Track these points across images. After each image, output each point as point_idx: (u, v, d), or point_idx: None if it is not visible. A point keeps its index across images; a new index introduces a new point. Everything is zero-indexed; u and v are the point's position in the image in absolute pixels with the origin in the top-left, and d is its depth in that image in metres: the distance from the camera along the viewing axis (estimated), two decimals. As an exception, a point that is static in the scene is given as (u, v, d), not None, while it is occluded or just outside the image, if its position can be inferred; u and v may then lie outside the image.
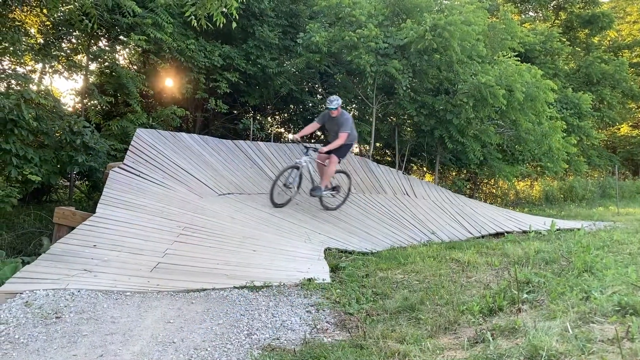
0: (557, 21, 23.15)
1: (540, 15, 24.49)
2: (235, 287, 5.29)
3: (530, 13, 25.54)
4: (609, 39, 24.54)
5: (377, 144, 17.53)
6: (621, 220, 12.31)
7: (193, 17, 8.57)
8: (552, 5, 23.99)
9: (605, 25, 21.97)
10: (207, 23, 8.76)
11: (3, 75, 9.85)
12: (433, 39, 11.44)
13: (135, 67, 14.00)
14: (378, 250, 8.07)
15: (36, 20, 11.21)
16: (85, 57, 12.04)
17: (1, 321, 4.08)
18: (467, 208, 11.72)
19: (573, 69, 21.78)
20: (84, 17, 10.16)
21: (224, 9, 8.43)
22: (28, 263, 5.73)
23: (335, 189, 10.02)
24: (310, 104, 16.73)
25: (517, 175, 16.28)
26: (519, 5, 24.07)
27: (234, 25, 9.45)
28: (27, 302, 4.44)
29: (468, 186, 18.18)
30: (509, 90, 12.26)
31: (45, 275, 5.02)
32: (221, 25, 8.51)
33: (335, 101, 9.27)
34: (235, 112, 16.19)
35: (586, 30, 22.87)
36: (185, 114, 13.01)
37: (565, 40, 20.43)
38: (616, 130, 25.95)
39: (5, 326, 4.01)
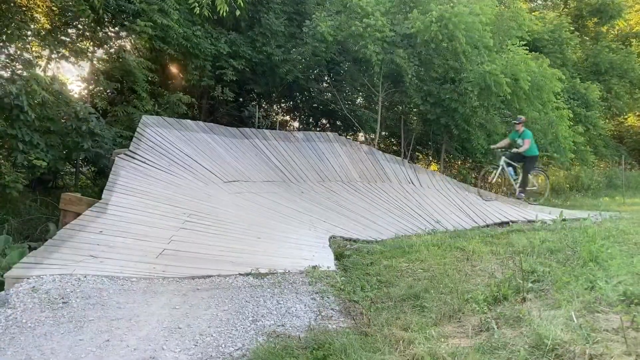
0: (565, 9, 22.90)
1: (549, 3, 24.23)
2: (240, 274, 5.31)
3: (539, 1, 25.28)
4: (617, 28, 24.25)
5: (383, 133, 17.47)
6: (627, 210, 12.24)
7: (196, 4, 8.53)
8: (561, -7, 23.75)
9: (615, 14, 21.69)
10: (209, 12, 8.71)
11: (7, 61, 9.84)
12: (439, 30, 11.37)
13: (141, 53, 13.96)
14: (383, 238, 8.07)
15: (42, 5, 11.18)
16: (92, 43, 12.01)
17: (9, 305, 4.12)
18: (472, 197, 11.70)
19: (581, 59, 21.57)
20: (88, 5, 10.14)
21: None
22: (35, 248, 5.77)
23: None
24: (317, 92, 16.67)
25: (522, 164, 16.19)
26: (527, -7, 23.84)
27: (238, 13, 9.40)
28: (34, 287, 4.47)
29: (473, 175, 18.12)
30: (514, 79, 12.18)
31: (52, 261, 5.05)
32: (224, 14, 8.46)
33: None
34: (241, 99, 16.15)
35: (595, 19, 22.59)
36: (191, 101, 12.99)
37: (573, 29, 20.23)
38: (623, 120, 25.72)
39: (13, 310, 4.04)
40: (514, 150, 11.34)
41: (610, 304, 3.65)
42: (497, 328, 3.54)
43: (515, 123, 11.46)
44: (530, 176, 11.62)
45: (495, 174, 11.56)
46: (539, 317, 3.54)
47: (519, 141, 11.42)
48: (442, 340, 3.57)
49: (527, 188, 11.65)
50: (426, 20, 11.45)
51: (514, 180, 11.62)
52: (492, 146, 12.17)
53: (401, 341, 3.57)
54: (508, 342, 3.26)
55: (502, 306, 4.08)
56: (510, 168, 11.51)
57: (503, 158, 11.40)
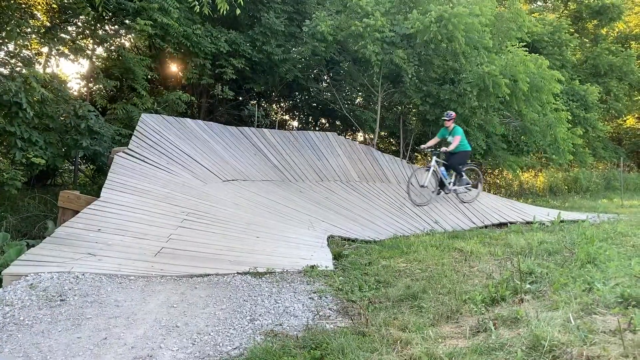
0: (565, 11, 22.92)
1: (549, 5, 24.25)
2: (238, 273, 5.31)
3: (539, 2, 25.30)
4: (617, 30, 24.28)
5: (382, 133, 17.48)
6: (625, 212, 12.27)
7: (196, 2, 8.52)
8: (561, -5, 23.78)
9: (615, 16, 21.72)
10: (209, 11, 8.70)
11: (7, 58, 9.83)
12: (438, 30, 11.37)
13: (141, 51, 13.96)
14: (381, 238, 8.08)
15: (42, 3, 11.17)
16: (92, 40, 12.00)
17: (6, 303, 4.12)
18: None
19: (580, 60, 21.61)
20: (87, 3, 10.14)
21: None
22: (33, 246, 5.77)
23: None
24: (316, 91, 16.67)
25: (521, 165, 16.22)
26: (527, -6, 23.87)
27: (238, 12, 9.40)
28: (31, 284, 4.47)
29: (472, 176, 18.13)
30: (513, 80, 12.19)
31: (50, 258, 5.05)
32: (224, 12, 8.46)
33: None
34: (240, 98, 16.15)
35: (595, 21, 22.63)
36: (190, 100, 12.99)
37: (573, 31, 20.25)
38: (622, 122, 25.77)
39: (11, 308, 4.04)
40: (444, 149, 10.58)
41: (608, 305, 3.66)
42: (495, 329, 3.54)
43: (444, 120, 10.68)
44: (463, 172, 10.85)
45: (427, 176, 10.50)
46: (536, 318, 3.54)
47: (449, 138, 10.74)
48: (440, 340, 3.57)
49: (462, 185, 10.86)
50: (426, 21, 11.44)
51: (447, 180, 10.72)
52: (421, 146, 11.17)
53: (399, 341, 3.57)
54: (505, 343, 3.26)
55: (499, 307, 4.08)
56: (443, 168, 10.72)
57: (434, 158, 10.58)
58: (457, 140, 10.43)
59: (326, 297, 4.75)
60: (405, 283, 5.06)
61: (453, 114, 10.69)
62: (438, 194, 10.90)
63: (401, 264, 6.03)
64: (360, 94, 17.68)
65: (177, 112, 12.66)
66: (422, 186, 10.46)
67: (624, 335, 3.07)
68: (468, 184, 10.89)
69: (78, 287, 4.53)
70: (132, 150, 8.84)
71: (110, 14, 11.95)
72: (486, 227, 10.01)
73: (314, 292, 4.87)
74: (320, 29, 12.17)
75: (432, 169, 10.45)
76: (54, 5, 11.18)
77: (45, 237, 5.98)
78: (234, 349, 3.61)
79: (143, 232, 6.16)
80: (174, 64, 14.46)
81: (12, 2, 9.75)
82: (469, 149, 11.08)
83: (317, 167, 11.34)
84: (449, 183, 10.70)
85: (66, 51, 11.51)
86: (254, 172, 10.26)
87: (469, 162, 11.13)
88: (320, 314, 4.34)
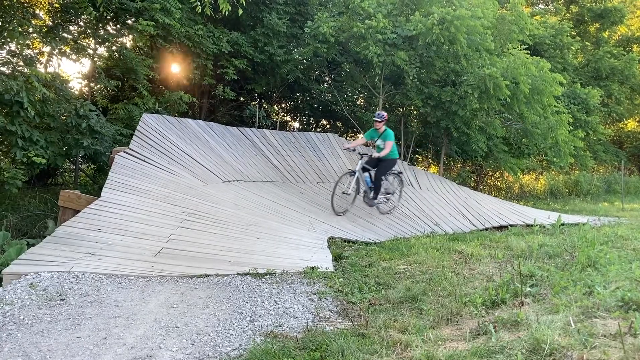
0: (567, 14, 22.93)
1: (551, 8, 24.26)
2: (238, 274, 5.31)
3: (541, 5, 25.30)
4: (618, 33, 24.30)
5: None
6: (626, 216, 12.27)
7: (198, 3, 8.52)
8: (563, -2, 23.80)
9: (617, 20, 21.75)
10: (211, 11, 8.70)
11: (8, 57, 9.84)
12: (440, 32, 11.37)
13: (142, 51, 13.97)
14: (381, 240, 8.08)
15: (44, 2, 11.18)
16: (93, 40, 12.01)
17: (6, 302, 4.11)
18: (471, 200, 11.70)
19: (582, 63, 21.61)
20: (90, 2, 10.15)
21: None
22: (33, 245, 5.77)
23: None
24: (317, 92, 16.69)
25: (522, 168, 16.23)
26: (529, -3, 23.89)
27: (240, 12, 9.41)
28: (31, 283, 4.46)
29: (473, 178, 18.14)
30: (514, 82, 12.18)
31: (50, 258, 5.05)
32: (226, 13, 8.46)
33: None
34: (242, 99, 16.16)
35: (597, 25, 22.65)
36: (191, 100, 12.99)
37: (575, 34, 20.26)
38: (623, 126, 25.77)
39: (10, 307, 4.04)
40: (374, 154, 9.41)
41: (608, 309, 3.65)
42: (495, 332, 3.54)
43: (375, 120, 9.59)
44: (386, 182, 9.82)
45: (350, 183, 9.29)
46: (536, 321, 3.53)
47: (379, 142, 9.66)
48: (440, 343, 3.57)
49: (383, 195, 9.82)
50: (428, 23, 11.45)
51: (370, 188, 9.57)
52: (345, 145, 10.09)
53: (398, 343, 3.57)
54: (505, 346, 3.25)
55: (500, 310, 4.08)
56: (367, 174, 9.54)
57: (360, 162, 9.39)
58: (389, 147, 9.39)
59: (326, 299, 4.74)
60: (405, 285, 5.06)
61: (385, 114, 9.58)
62: (361, 200, 9.71)
63: (401, 266, 6.03)
64: (361, 95, 17.70)
65: (179, 112, 12.66)
66: (344, 193, 9.20)
67: (624, 339, 3.07)
68: (389, 193, 9.94)
69: (78, 287, 4.52)
70: (133, 150, 8.84)
71: (112, 13, 11.96)
72: (487, 229, 10.01)
73: (314, 294, 4.86)
74: (322, 30, 12.18)
75: (357, 174, 9.30)
76: (56, 5, 11.19)
77: (45, 237, 5.98)
78: (234, 349, 3.61)
79: (143, 232, 6.16)
80: (176, 64, 14.46)
81: (14, 1, 9.76)
82: (398, 156, 10.06)
83: (317, 168, 11.34)
84: (370, 190, 9.60)
85: (68, 51, 11.51)
86: (254, 172, 10.25)
87: (394, 170, 10.05)
88: (320, 315, 4.33)
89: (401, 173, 10.32)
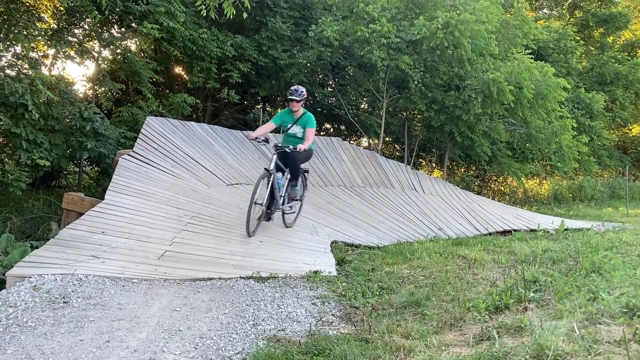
0: (571, 19, 22.92)
1: (555, 13, 24.25)
2: (241, 277, 5.31)
3: (545, 10, 25.29)
4: (623, 38, 24.26)
5: (387, 139, 17.49)
6: (630, 221, 12.23)
7: (203, 6, 8.55)
8: (567, 3, 23.76)
9: (622, 25, 21.73)
10: (216, 15, 8.73)
11: (14, 60, 9.88)
12: (445, 36, 11.38)
13: (147, 54, 14.01)
14: (384, 244, 8.06)
15: (49, 5, 11.23)
16: (98, 43, 12.06)
17: (10, 304, 4.12)
18: (475, 205, 11.68)
19: (586, 68, 21.58)
20: (95, 7, 10.20)
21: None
22: (37, 247, 5.78)
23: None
24: (321, 96, 16.70)
25: (526, 173, 16.20)
26: (533, 2, 23.85)
27: (245, 15, 9.43)
28: (35, 286, 4.47)
29: (476, 183, 18.11)
30: (518, 87, 12.18)
31: (54, 260, 5.06)
32: (231, 16, 8.48)
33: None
34: (246, 102, 16.18)
35: (601, 30, 22.63)
36: (195, 103, 13.01)
37: (579, 39, 20.24)
38: (628, 131, 25.70)
39: (14, 309, 4.04)
40: (291, 147, 7.11)
41: (613, 315, 3.64)
42: (498, 337, 3.52)
43: (291, 99, 7.40)
44: (300, 182, 7.79)
45: (263, 186, 6.98)
46: (540, 327, 3.52)
47: (295, 129, 7.52)
48: (443, 348, 3.56)
49: (295, 201, 7.77)
50: (432, 27, 11.46)
51: (281, 193, 7.31)
52: (250, 135, 7.43)
53: (402, 349, 3.56)
54: (509, 352, 3.24)
55: (503, 315, 4.07)
56: (280, 174, 7.34)
57: (275, 158, 7.06)
58: (312, 136, 7.39)
59: (329, 303, 4.74)
60: (408, 290, 5.05)
61: (304, 91, 7.48)
62: (268, 217, 7.33)
63: (405, 271, 6.02)
64: (365, 99, 17.70)
65: (182, 115, 12.69)
66: (256, 203, 6.77)
67: (629, 346, 3.05)
68: (296, 199, 7.76)
69: (81, 290, 4.53)
70: (137, 153, 8.86)
71: (116, 17, 12.00)
72: (490, 234, 9.99)
73: (317, 298, 4.86)
74: (326, 34, 12.19)
75: (272, 176, 7.02)
76: (61, 8, 11.23)
77: (49, 239, 5.99)
78: (237, 353, 3.60)
79: (147, 235, 6.16)
80: (180, 68, 14.50)
81: (19, 4, 9.80)
82: (312, 147, 7.69)
83: (321, 172, 11.34)
84: (281, 197, 7.33)
85: (72, 54, 11.56)
86: (257, 176, 10.25)
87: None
88: (323, 319, 4.32)
89: (307, 171, 8.08)
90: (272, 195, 7.10)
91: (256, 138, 7.31)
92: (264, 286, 5.11)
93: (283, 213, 7.59)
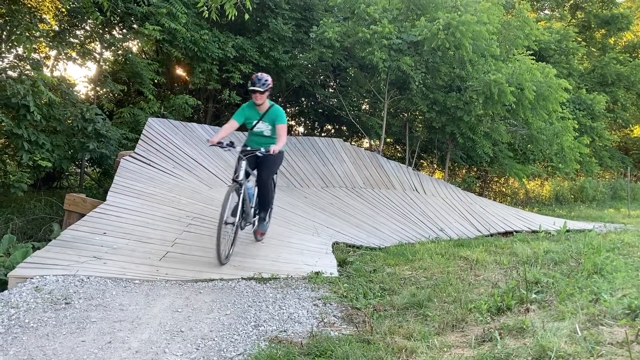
0: (573, 20, 22.91)
1: (557, 14, 24.24)
2: (243, 278, 5.31)
3: (547, 11, 25.29)
4: (624, 39, 24.26)
5: (388, 140, 17.48)
6: (632, 222, 12.21)
7: (205, 8, 8.55)
8: (568, 4, 23.76)
9: (623, 26, 21.72)
10: (218, 16, 8.73)
11: (16, 61, 9.90)
12: (446, 37, 11.38)
13: (148, 55, 14.03)
14: (386, 245, 8.06)
15: (51, 7, 11.25)
16: (99, 44, 12.07)
17: (12, 305, 4.12)
18: (477, 206, 11.68)
19: (588, 69, 21.58)
20: (96, 8, 10.22)
21: (236, 1, 8.40)
22: (38, 248, 5.78)
23: None
24: (322, 97, 16.71)
25: (527, 174, 16.19)
26: (534, 3, 23.85)
27: (247, 17, 9.44)
28: (37, 287, 4.47)
29: (478, 184, 18.11)
30: (519, 88, 12.17)
31: (55, 261, 5.06)
32: (233, 17, 8.49)
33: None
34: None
35: (603, 31, 22.62)
36: (197, 104, 13.02)
37: (580, 40, 20.23)
38: (629, 132, 25.69)
39: (16, 310, 4.04)
40: (263, 149, 5.91)
41: (615, 317, 3.63)
42: (500, 338, 3.52)
43: (254, 90, 5.99)
44: (270, 212, 6.68)
45: (237, 201, 5.86)
46: (542, 328, 3.52)
47: (262, 127, 6.29)
48: (445, 350, 3.55)
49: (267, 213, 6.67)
50: (433, 28, 11.46)
51: (252, 204, 6.33)
52: (212, 141, 5.98)
53: (403, 350, 3.55)
54: (511, 353, 3.23)
55: (505, 316, 4.06)
56: (250, 182, 6.27)
57: (244, 164, 5.90)
58: (285, 133, 6.18)
59: (331, 304, 4.73)
60: (410, 291, 5.04)
61: (269, 79, 6.08)
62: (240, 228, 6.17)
63: (406, 272, 6.02)
64: (366, 100, 17.71)
65: (184, 116, 12.69)
66: (226, 224, 5.65)
67: (631, 347, 3.05)
68: (269, 211, 6.70)
69: (83, 291, 4.53)
70: (139, 154, 8.86)
71: (118, 18, 12.02)
72: (492, 235, 9.98)
73: (319, 299, 4.86)
74: (327, 35, 12.20)
75: (243, 185, 5.91)
76: (63, 10, 11.25)
77: (50, 240, 6.00)
78: (238, 355, 3.60)
79: (148, 236, 6.17)
80: (181, 69, 14.51)
81: (21, 6, 9.82)
82: (284, 148, 6.40)
83: (322, 173, 11.34)
84: (252, 209, 6.33)
85: (74, 55, 11.57)
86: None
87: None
88: (325, 320, 4.32)
89: (275, 174, 6.79)
90: (243, 210, 5.99)
91: (219, 143, 5.92)
92: (265, 287, 5.11)
93: (254, 227, 6.59)
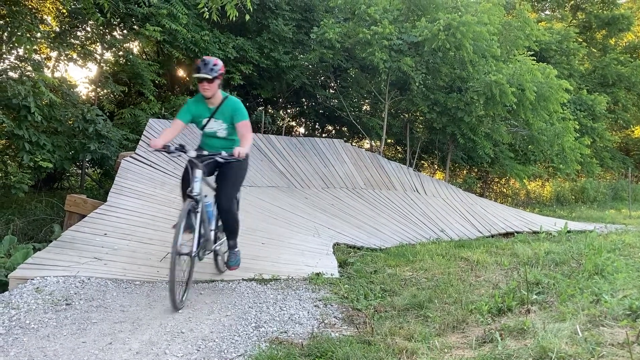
0: (574, 21, 22.91)
1: (557, 14, 24.25)
2: (243, 279, 5.31)
3: (547, 12, 25.30)
4: (625, 40, 24.26)
5: (389, 140, 17.48)
6: (633, 223, 12.20)
7: (205, 8, 8.56)
8: (569, 5, 23.77)
9: (624, 27, 21.74)
10: (218, 17, 8.74)
11: (17, 62, 9.91)
12: (446, 38, 11.38)
13: (149, 56, 14.04)
14: (387, 246, 8.06)
15: (52, 8, 11.26)
16: (100, 46, 12.08)
17: (12, 306, 4.12)
18: (477, 207, 11.67)
19: (588, 70, 21.58)
20: (97, 9, 10.23)
21: (237, 2, 8.40)
22: (39, 249, 5.78)
23: None
24: (323, 98, 16.72)
25: (528, 175, 16.19)
26: (535, 3, 23.86)
27: (247, 18, 9.44)
28: (37, 288, 4.47)
29: (479, 185, 18.11)
30: (520, 89, 12.17)
31: (56, 262, 5.06)
32: (233, 18, 8.50)
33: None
34: (248, 104, 16.19)
35: (603, 32, 22.63)
36: (197, 105, 13.02)
37: (581, 40, 20.23)
38: (630, 133, 25.68)
39: (17, 311, 4.04)
40: (225, 153, 4.60)
41: (616, 318, 3.63)
42: (501, 339, 3.52)
43: (201, 78, 4.58)
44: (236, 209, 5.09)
45: (190, 224, 4.53)
46: (543, 329, 3.51)
47: (215, 125, 4.96)
48: (446, 351, 3.55)
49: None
50: (434, 29, 11.46)
51: (213, 227, 4.93)
52: (156, 145, 4.68)
53: (404, 351, 3.55)
54: (512, 354, 3.23)
55: (506, 317, 4.06)
56: (207, 199, 4.82)
57: (199, 172, 4.58)
58: (249, 131, 4.87)
59: (331, 305, 4.73)
60: (411, 292, 5.04)
61: (219, 63, 4.69)
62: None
63: (407, 273, 6.01)
64: (367, 101, 17.72)
65: (185, 117, 12.68)
66: (180, 255, 4.38)
67: (632, 348, 3.04)
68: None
69: (84, 292, 4.53)
70: (139, 155, 8.87)
71: (118, 19, 12.03)
72: (492, 236, 9.97)
73: (319, 300, 4.85)
74: (328, 36, 12.21)
75: (200, 202, 4.59)
76: (64, 11, 11.26)
77: (51, 241, 6.00)
78: (239, 356, 3.60)
79: (149, 237, 6.16)
80: (182, 70, 14.52)
81: (22, 7, 9.82)
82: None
83: (323, 174, 11.34)
84: (212, 232, 4.91)
85: (75, 56, 11.59)
86: (260, 178, 10.26)
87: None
88: (326, 322, 4.32)
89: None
90: (200, 235, 4.63)
91: (164, 147, 4.65)
92: (266, 288, 5.10)
93: (216, 255, 5.35)
